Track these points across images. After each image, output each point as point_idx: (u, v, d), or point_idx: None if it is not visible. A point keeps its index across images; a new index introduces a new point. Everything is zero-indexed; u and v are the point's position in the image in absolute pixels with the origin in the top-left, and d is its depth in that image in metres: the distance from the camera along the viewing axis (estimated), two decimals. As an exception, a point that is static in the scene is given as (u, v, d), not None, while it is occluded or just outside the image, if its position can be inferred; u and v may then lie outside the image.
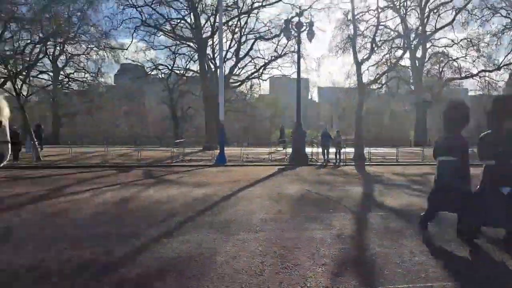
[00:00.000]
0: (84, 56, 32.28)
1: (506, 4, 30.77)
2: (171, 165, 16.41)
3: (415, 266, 4.27)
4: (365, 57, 25.06)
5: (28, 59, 20.81)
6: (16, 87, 18.22)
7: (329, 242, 5.14)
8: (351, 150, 21.40)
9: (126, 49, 31.39)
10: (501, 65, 33.06)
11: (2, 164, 4.43)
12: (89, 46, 29.85)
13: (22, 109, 17.83)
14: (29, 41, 21.22)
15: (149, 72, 33.75)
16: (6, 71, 18.60)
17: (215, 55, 29.12)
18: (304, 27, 19.18)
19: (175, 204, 7.70)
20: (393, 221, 6.37)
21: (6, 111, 4.38)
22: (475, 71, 34.43)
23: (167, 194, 8.75)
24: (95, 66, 32.61)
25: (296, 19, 20.43)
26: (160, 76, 35.31)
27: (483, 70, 33.68)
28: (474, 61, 33.84)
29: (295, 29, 19.51)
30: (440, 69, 36.91)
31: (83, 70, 33.88)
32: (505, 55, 33.82)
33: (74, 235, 5.35)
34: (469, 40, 33.08)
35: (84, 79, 34.62)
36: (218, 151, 17.66)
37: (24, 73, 20.67)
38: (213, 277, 3.92)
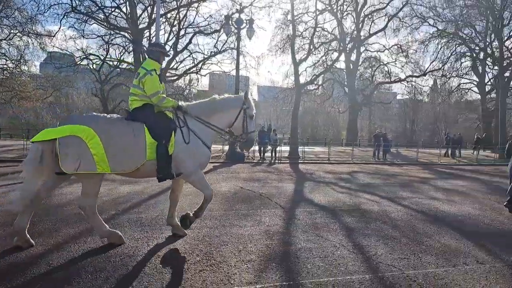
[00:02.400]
0: (5, 41, 29.69)
1: (433, 14, 33.21)
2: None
3: (336, 260, 4.44)
4: (303, 58, 25.74)
5: None
6: None
7: (257, 239, 5.19)
8: (286, 148, 21.91)
9: (54, 36, 29.34)
10: (426, 71, 35.63)
11: None
12: (11, 31, 27.55)
13: None
14: None
15: (79, 62, 31.86)
16: None
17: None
18: (244, 24, 19.27)
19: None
20: (320, 217, 6.59)
21: None
22: (403, 76, 36.84)
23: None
24: (17, 53, 30.14)
25: (236, 16, 20.48)
26: (91, 67, 33.49)
27: (410, 76, 36.08)
28: (402, 67, 36.13)
29: (235, 26, 19.53)
30: (372, 73, 38.96)
31: (4, 57, 31.17)
32: (431, 62, 36.47)
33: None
34: (399, 46, 35.20)
35: (5, 66, 31.87)
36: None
37: None
38: (134, 276, 3.79)
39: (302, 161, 18.89)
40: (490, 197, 9.57)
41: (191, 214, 5.19)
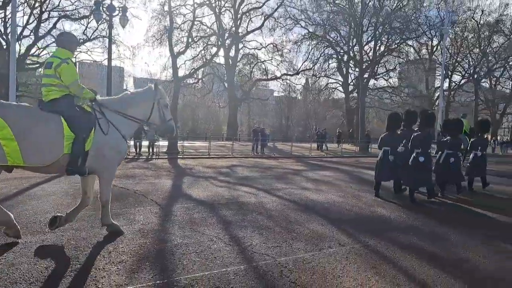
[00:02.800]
0: None
1: (305, 17, 35.75)
2: None
3: (213, 254, 4.47)
4: (181, 51, 25.39)
5: None
6: None
7: (130, 238, 4.94)
8: (165, 143, 21.40)
9: None
10: (299, 70, 38.32)
11: None
12: None
13: None
14: None
15: None
16: None
17: (8, 31, 24.87)
18: (117, 12, 18.13)
19: None
20: (198, 212, 6.56)
21: None
22: (279, 74, 38.97)
23: None
24: None
25: (108, 1, 19.15)
26: None
27: (285, 74, 38.42)
28: (278, 65, 38.23)
29: (107, 13, 18.25)
30: (251, 69, 40.41)
31: None
32: (303, 61, 39.47)
33: None
34: (275, 45, 37.14)
35: None
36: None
37: None
38: (-24, 293, 3.26)
39: (181, 156, 18.66)
40: (351, 185, 10.68)
41: (65, 215, 5.04)
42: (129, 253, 4.40)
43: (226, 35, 35.35)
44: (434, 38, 40.28)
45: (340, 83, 44.15)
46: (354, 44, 36.05)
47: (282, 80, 39.19)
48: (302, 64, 38.89)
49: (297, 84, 43.13)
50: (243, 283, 3.70)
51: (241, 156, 20.35)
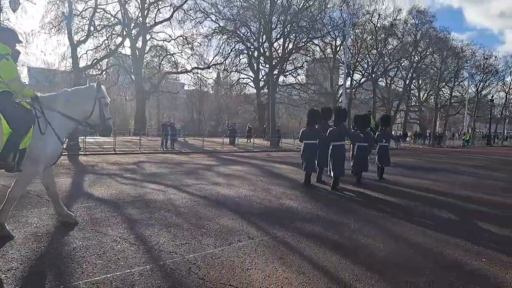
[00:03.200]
0: None
1: (215, 11, 35.68)
2: None
3: (116, 255, 4.24)
4: (82, 39, 23.74)
5: None
6: None
7: (21, 243, 4.48)
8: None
9: None
10: (210, 65, 38.24)
11: None
12: None
13: None
14: None
15: None
16: None
17: None
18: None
19: None
20: (100, 212, 6.19)
21: None
22: (189, 68, 38.48)
23: None
24: None
25: (-6, -20, 17.12)
26: None
27: (196, 67, 38.04)
28: (188, 58, 37.76)
29: (-6, -7, 16.34)
30: (159, 62, 39.28)
31: None
32: (214, 56, 39.27)
33: None
34: (184, 38, 36.55)
35: None
36: None
37: None
38: None
39: (83, 153, 17.46)
40: (262, 179, 10.94)
41: None
42: (20, 259, 3.99)
43: (132, 25, 33.90)
44: (337, 39, 43.02)
45: (251, 79, 45.06)
46: (264, 40, 36.97)
47: (193, 73, 38.83)
48: (213, 58, 38.78)
49: (208, 78, 43.01)
50: (149, 283, 3.57)
51: (150, 152, 19.70)
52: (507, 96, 67.98)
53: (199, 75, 39.49)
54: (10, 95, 4.55)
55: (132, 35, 33.75)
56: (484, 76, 60.15)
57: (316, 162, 10.19)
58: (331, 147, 9.76)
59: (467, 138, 46.57)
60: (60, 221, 5.38)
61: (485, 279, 4.09)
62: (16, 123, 4.38)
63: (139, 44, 36.49)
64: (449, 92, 57.34)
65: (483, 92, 62.63)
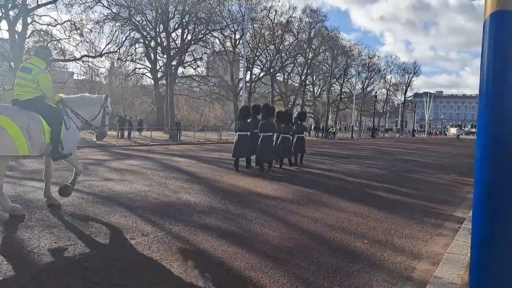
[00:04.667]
0: None
1: (107, -5, 33.44)
2: None
3: (-15, 264, 3.74)
4: None
5: None
6: None
7: None
8: None
9: None
10: (103, 53, 35.80)
11: None
12: None
13: None
14: None
15: None
16: None
17: None
18: None
19: None
20: (-33, 216, 5.42)
21: None
22: (78, 55, 35.56)
23: None
24: None
25: None
26: None
27: (86, 55, 35.26)
28: (77, 45, 34.84)
29: None
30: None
31: None
32: (106, 43, 36.68)
33: None
34: (72, 23, 33.68)
35: None
36: None
37: None
38: None
39: None
40: (159, 173, 10.63)
41: (69, 183, 6.44)
42: None
43: (10, 5, 30.28)
44: (237, 32, 43.53)
45: (149, 69, 43.45)
46: (161, 30, 35.82)
47: (83, 62, 35.93)
48: (106, 46, 36.29)
49: (100, 68, 40.21)
50: (25, 293, 3.21)
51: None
52: (388, 93, 76.26)
53: (90, 64, 36.76)
54: (43, 98, 5.78)
55: (10, 17, 30.12)
56: (369, 74, 66.45)
57: (245, 151, 11.80)
58: (261, 137, 11.74)
59: (333, 131, 49.84)
60: (46, 203, 6.24)
61: (366, 258, 4.47)
62: (53, 121, 5.67)
63: (19, 27, 32.72)
64: (339, 88, 62.04)
65: (368, 89, 69.23)
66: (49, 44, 34.37)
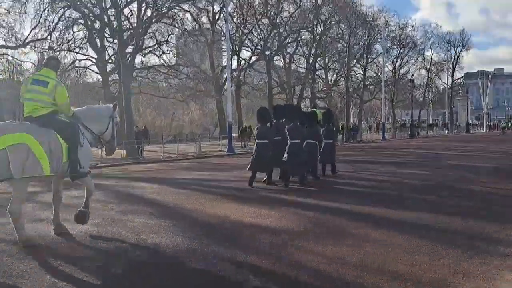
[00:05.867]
0: None
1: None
2: None
3: None
4: None
5: None
6: None
7: None
8: None
9: None
10: (27, 41, 35.38)
11: None
12: None
13: None
14: None
15: None
16: None
17: None
18: None
19: None
20: None
21: None
22: (-9, 47, 35.20)
23: None
24: None
25: None
26: None
27: (3, 46, 34.87)
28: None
29: None
30: None
31: None
32: (32, 28, 35.84)
33: None
34: (-21, 2, 33.44)
35: None
36: None
37: None
38: None
39: None
40: (113, 207, 10.55)
41: (84, 209, 7.42)
42: None
43: None
44: (215, 3, 43.53)
45: (94, 61, 43.15)
46: (108, 5, 35.52)
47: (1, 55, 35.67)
48: (31, 32, 35.81)
49: (24, 62, 39.59)
50: None
51: None
52: (429, 75, 75.81)
53: (9, 58, 36.31)
54: (56, 113, 6.95)
55: None
56: (401, 51, 66.54)
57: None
58: (288, 145, 12.91)
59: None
60: (55, 231, 7.38)
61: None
62: (70, 138, 6.83)
63: None
64: (361, 72, 61.94)
65: (402, 71, 69.13)
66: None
